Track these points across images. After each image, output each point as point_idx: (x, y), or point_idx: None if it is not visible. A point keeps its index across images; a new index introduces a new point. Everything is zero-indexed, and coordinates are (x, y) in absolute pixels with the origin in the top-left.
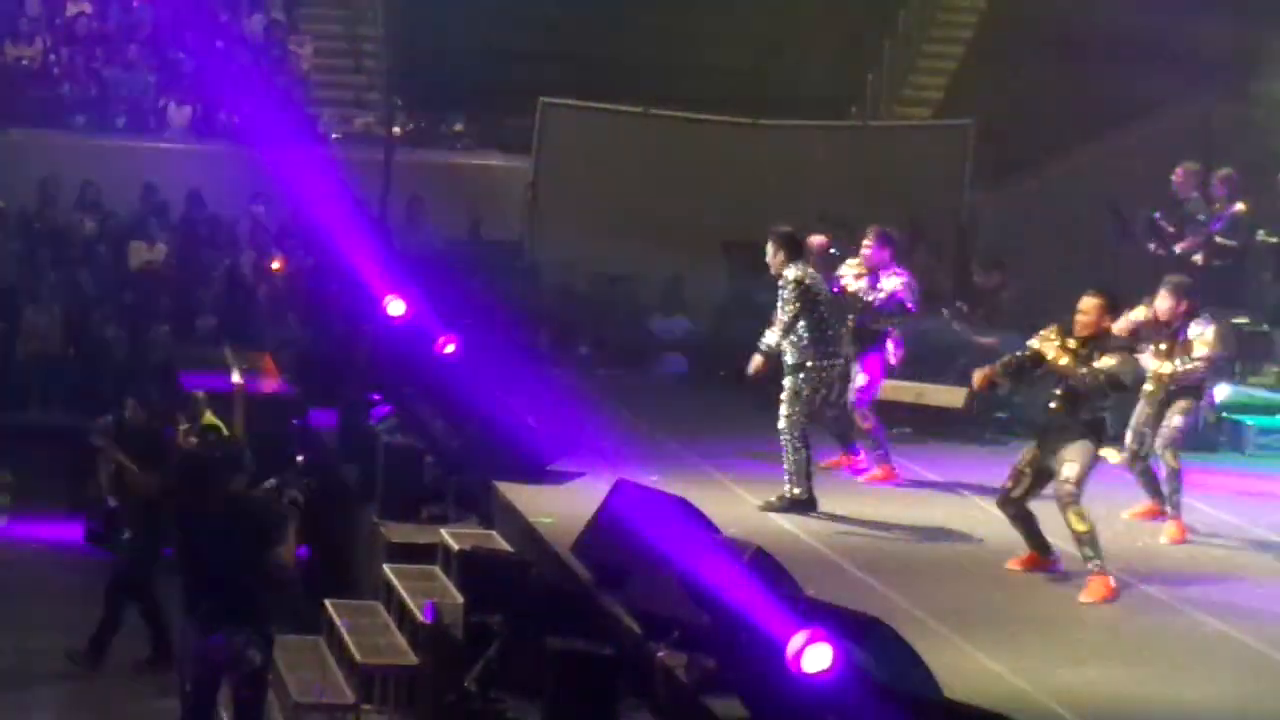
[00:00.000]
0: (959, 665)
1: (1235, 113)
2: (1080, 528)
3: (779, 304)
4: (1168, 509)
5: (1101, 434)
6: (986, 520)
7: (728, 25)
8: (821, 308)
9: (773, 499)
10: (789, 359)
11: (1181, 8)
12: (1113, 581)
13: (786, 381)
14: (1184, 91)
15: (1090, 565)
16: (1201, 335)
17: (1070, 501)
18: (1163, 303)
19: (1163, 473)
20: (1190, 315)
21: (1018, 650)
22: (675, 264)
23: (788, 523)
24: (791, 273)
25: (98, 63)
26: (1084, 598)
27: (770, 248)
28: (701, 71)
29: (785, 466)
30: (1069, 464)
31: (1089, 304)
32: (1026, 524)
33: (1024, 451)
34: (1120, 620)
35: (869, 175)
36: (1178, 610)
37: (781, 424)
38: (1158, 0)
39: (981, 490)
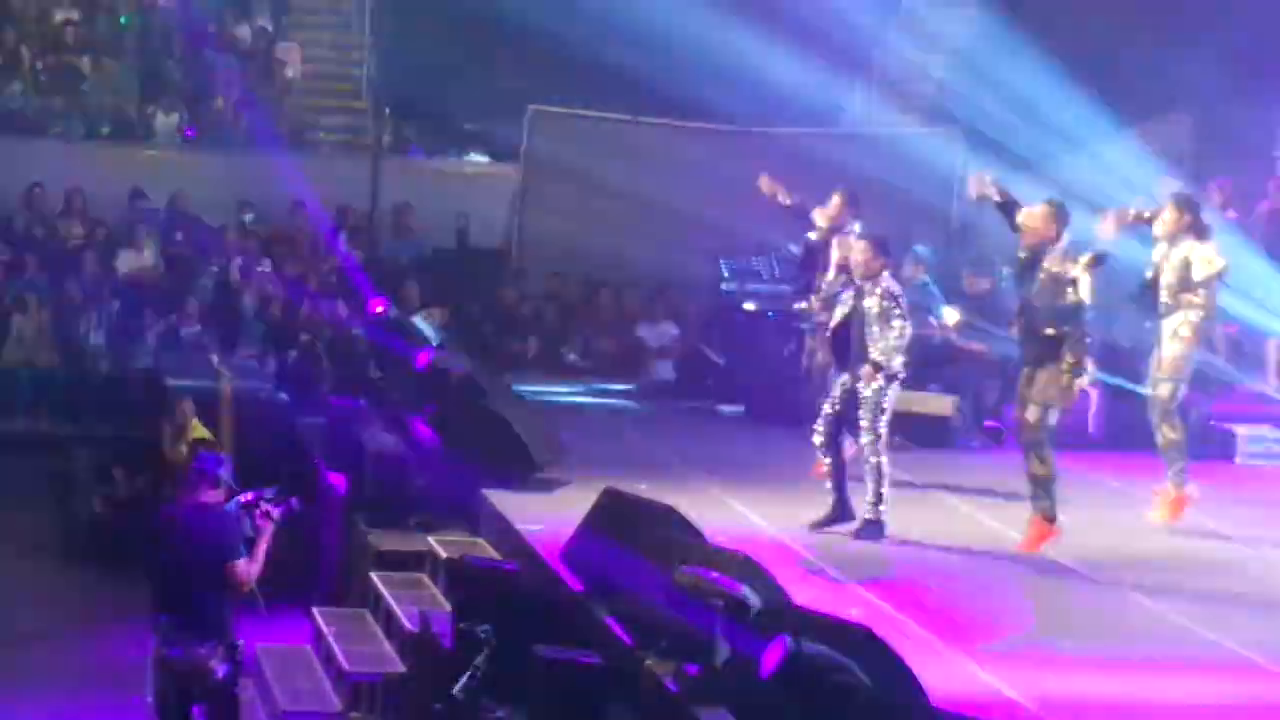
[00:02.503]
0: (947, 674)
1: (1227, 120)
2: (1040, 471)
3: (878, 315)
4: (1171, 479)
5: (1063, 354)
6: (975, 528)
7: (718, 32)
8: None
9: (857, 525)
10: (893, 369)
11: (1174, 18)
12: (1055, 527)
13: (878, 397)
14: (1176, 100)
15: (1036, 507)
16: (1205, 257)
17: (1031, 445)
18: (1168, 215)
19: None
20: (1192, 230)
21: (1007, 659)
22: (664, 271)
23: (776, 530)
24: (895, 285)
25: (84, 70)
26: (1021, 547)
27: (867, 251)
28: (691, 78)
29: (872, 488)
30: (1031, 406)
31: (1037, 211)
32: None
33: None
34: (1110, 628)
35: (858, 183)
36: (1166, 618)
37: (872, 440)
38: (1150, 10)
39: (969, 498)
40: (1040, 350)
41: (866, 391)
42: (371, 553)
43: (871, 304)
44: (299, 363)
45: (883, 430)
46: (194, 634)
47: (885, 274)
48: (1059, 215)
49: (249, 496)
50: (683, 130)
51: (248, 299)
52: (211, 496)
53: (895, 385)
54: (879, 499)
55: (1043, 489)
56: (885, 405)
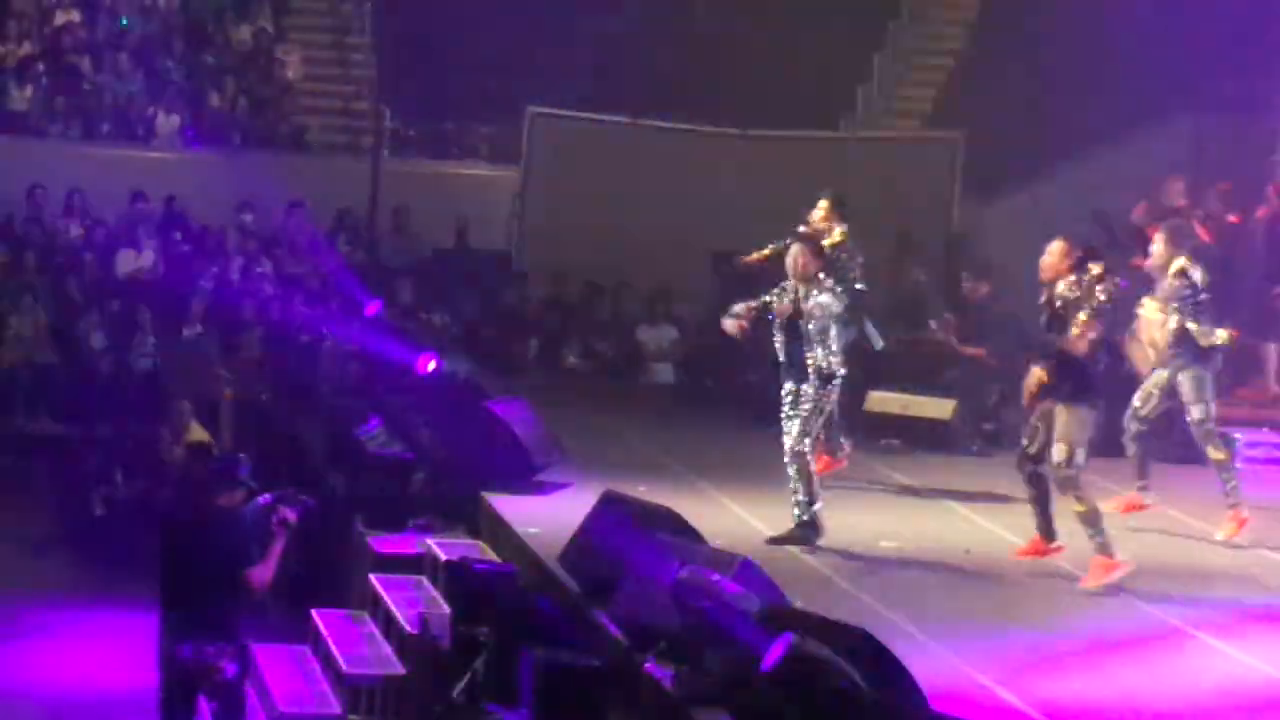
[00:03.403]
0: (946, 677)
1: (1225, 126)
2: (1078, 508)
3: (815, 316)
4: (1227, 499)
5: (1092, 391)
6: (974, 531)
7: (716, 36)
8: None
9: (789, 531)
10: (825, 370)
11: (1172, 22)
12: (1118, 557)
13: (816, 394)
14: (1175, 105)
15: (1093, 544)
16: (1182, 267)
17: (1067, 485)
18: (1156, 246)
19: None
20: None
21: (1005, 662)
22: (663, 274)
23: (775, 533)
24: (828, 289)
25: (85, 71)
26: (1083, 585)
27: (804, 254)
28: (690, 82)
29: (799, 492)
30: (1058, 445)
31: (1055, 248)
32: (1039, 492)
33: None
34: (1107, 632)
35: (858, 187)
36: (1165, 622)
37: (801, 445)
38: (1149, 14)
39: (968, 502)
40: (1067, 387)
41: (809, 390)
42: (371, 555)
43: (810, 309)
44: (298, 365)
45: (817, 432)
46: (205, 634)
47: (821, 277)
48: (1071, 249)
49: (267, 499)
50: (682, 133)
51: (247, 301)
52: (229, 499)
53: (831, 385)
54: (812, 499)
55: (1089, 525)
56: (825, 407)
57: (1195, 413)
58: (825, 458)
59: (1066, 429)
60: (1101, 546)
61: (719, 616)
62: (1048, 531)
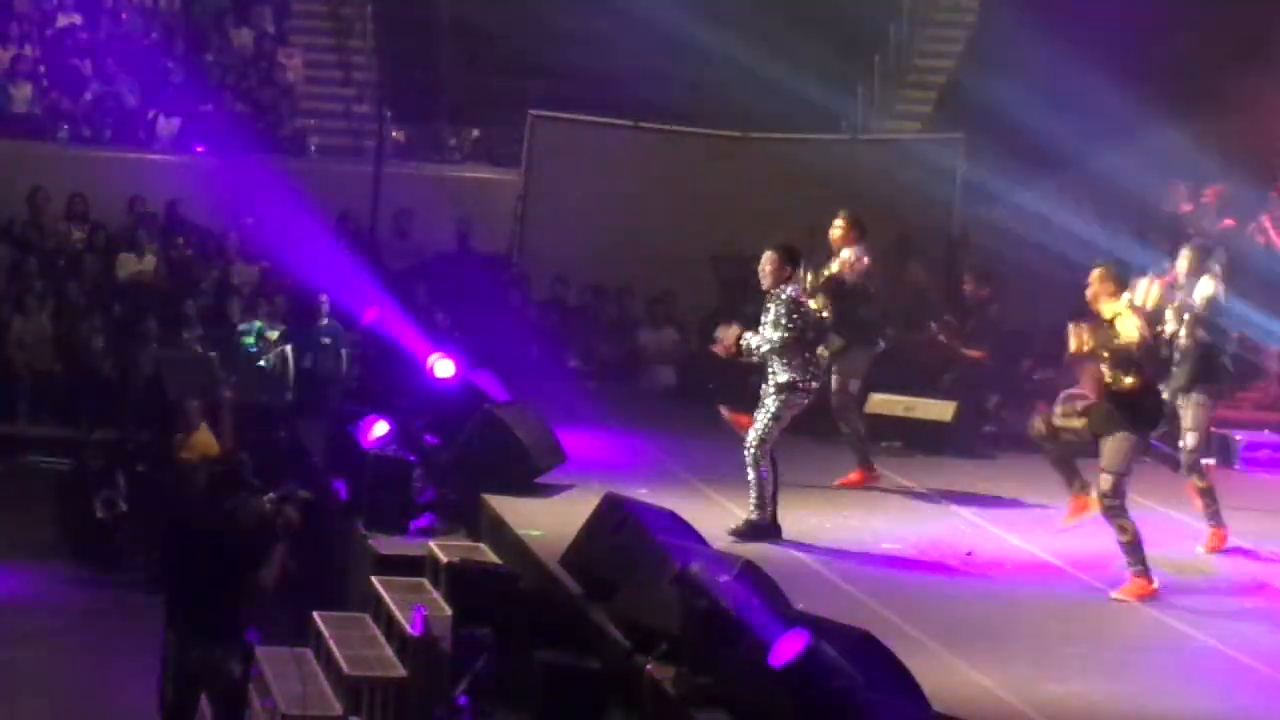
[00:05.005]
0: (947, 679)
1: (1226, 129)
2: (1122, 539)
3: (770, 320)
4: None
5: (1141, 418)
6: (975, 534)
7: (717, 38)
8: (811, 327)
9: (739, 525)
10: (779, 378)
11: (1175, 26)
12: (1155, 584)
13: (771, 402)
14: (1175, 107)
15: (1131, 570)
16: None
17: (1112, 515)
18: (1181, 263)
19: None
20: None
21: (1005, 664)
22: (664, 277)
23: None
24: (788, 292)
25: (87, 74)
26: (1119, 594)
27: (774, 260)
28: (691, 84)
29: (754, 490)
30: (1103, 474)
31: (1092, 275)
32: (1066, 465)
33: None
34: (1107, 634)
35: (859, 189)
36: (1166, 624)
37: (752, 439)
38: (1150, 18)
39: (970, 504)
40: (1110, 412)
41: (767, 396)
42: (372, 556)
43: (769, 311)
44: (315, 367)
45: (770, 435)
46: (212, 634)
47: (789, 284)
48: (1113, 274)
49: (273, 498)
50: (684, 136)
51: (250, 304)
52: (235, 501)
53: (792, 395)
54: (763, 502)
55: (1131, 554)
56: (781, 415)
57: (1190, 440)
58: (860, 472)
59: (1113, 459)
60: (1140, 574)
61: (722, 614)
62: (1082, 486)
